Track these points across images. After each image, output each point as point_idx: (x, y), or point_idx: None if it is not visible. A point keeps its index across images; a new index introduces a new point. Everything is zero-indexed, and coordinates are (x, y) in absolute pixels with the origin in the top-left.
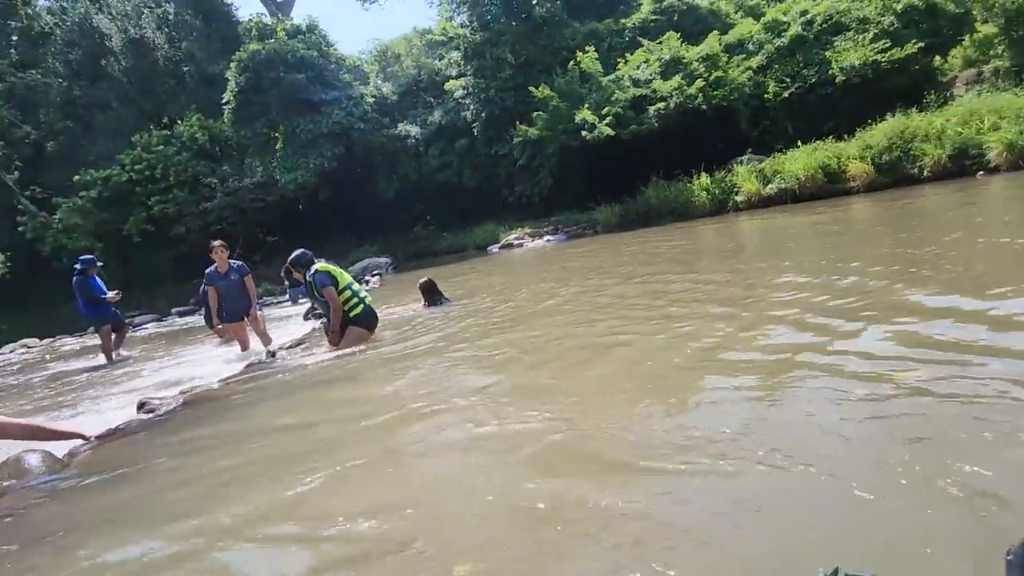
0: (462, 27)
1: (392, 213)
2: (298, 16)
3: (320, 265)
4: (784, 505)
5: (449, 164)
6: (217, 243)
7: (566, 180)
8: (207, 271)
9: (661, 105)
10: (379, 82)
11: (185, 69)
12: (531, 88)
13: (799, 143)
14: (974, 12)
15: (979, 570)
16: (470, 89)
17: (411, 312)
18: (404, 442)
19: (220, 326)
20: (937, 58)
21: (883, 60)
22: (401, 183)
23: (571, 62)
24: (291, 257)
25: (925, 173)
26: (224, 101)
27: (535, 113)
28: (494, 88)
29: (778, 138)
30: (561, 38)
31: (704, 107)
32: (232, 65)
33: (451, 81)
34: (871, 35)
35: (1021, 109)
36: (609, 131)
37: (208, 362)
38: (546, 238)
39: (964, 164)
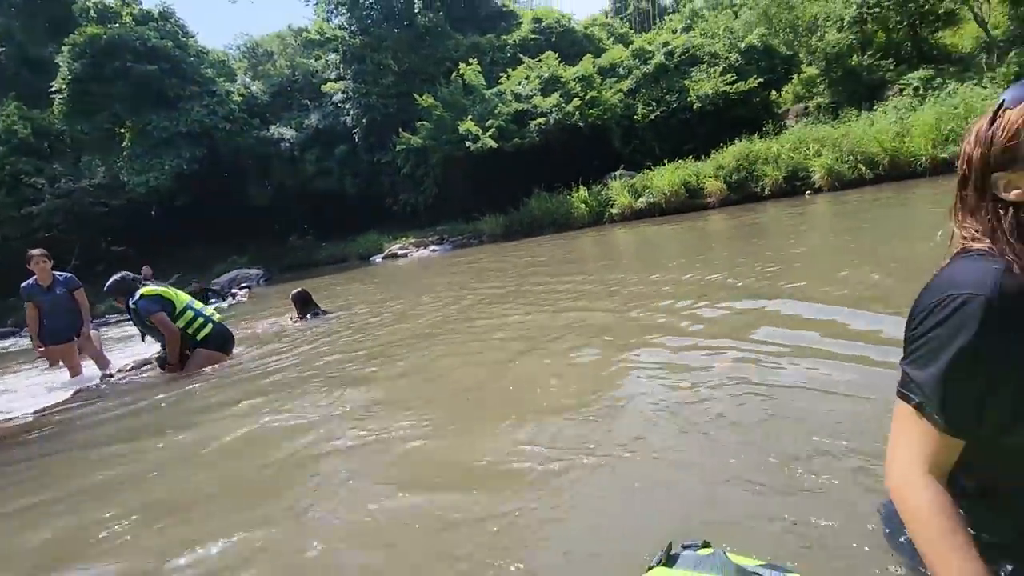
0: (340, 29)
1: (265, 221)
2: (148, 1)
3: (146, 289)
4: (643, 493)
5: (328, 171)
6: (36, 252)
7: (451, 190)
8: (23, 285)
9: (541, 120)
10: (247, 80)
11: (1, 49)
12: (415, 96)
13: (665, 162)
14: (800, 55)
15: (800, 534)
16: (350, 93)
17: (281, 326)
18: (250, 467)
19: (43, 348)
20: (773, 92)
21: (731, 91)
22: (275, 189)
23: (454, 73)
24: (108, 284)
25: (766, 191)
26: (54, 90)
27: (419, 122)
28: (376, 94)
29: (647, 156)
30: (444, 49)
31: (581, 124)
32: (64, 49)
33: (329, 83)
34: (721, 69)
35: (837, 139)
36: (492, 143)
37: (25, 392)
38: (431, 248)
39: (795, 184)
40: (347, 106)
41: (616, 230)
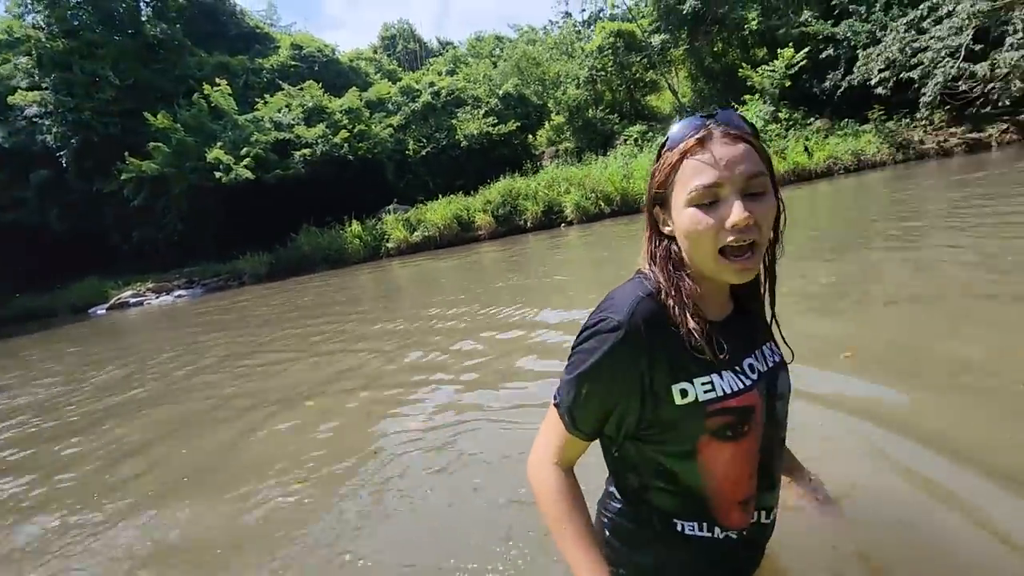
0: (35, 28)
1: None
2: None
3: None
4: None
5: (22, 201)
6: None
7: (202, 225)
8: None
9: (307, 151)
10: None
11: None
12: (146, 115)
13: (438, 196)
14: (549, 105)
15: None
16: (50, 107)
17: None
18: None
19: None
20: (530, 136)
21: (494, 133)
22: None
23: (197, 94)
24: None
25: (528, 224)
26: None
27: (153, 145)
28: (90, 110)
29: (421, 190)
30: (184, 65)
31: (350, 157)
32: None
33: (19, 93)
34: (483, 111)
35: (582, 179)
36: (248, 173)
37: None
38: (177, 293)
39: (552, 218)
40: (47, 122)
41: (393, 264)
